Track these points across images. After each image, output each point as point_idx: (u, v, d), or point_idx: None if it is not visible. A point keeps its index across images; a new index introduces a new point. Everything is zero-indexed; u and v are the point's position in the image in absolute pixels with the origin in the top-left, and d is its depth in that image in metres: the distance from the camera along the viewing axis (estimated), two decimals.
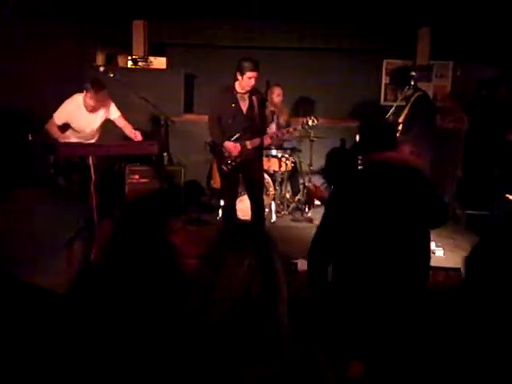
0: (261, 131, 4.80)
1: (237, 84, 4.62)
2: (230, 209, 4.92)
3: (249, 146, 4.65)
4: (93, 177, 4.58)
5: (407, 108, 4.81)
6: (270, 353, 1.21)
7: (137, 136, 4.93)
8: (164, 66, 6.47)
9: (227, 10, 6.38)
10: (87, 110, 4.83)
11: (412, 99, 4.81)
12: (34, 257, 1.25)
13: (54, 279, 1.27)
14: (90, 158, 4.58)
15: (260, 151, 4.93)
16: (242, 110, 4.66)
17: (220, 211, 5.74)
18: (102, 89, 4.72)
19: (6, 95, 5.11)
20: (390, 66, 6.71)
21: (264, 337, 1.22)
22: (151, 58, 6.42)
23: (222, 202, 5.75)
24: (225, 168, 4.72)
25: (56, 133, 4.83)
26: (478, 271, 1.32)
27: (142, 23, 6.42)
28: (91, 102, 4.74)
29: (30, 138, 5.02)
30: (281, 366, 1.21)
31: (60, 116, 4.83)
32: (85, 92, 4.73)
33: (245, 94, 4.65)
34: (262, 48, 6.39)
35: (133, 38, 6.44)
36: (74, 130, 4.94)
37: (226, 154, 4.68)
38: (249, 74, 4.48)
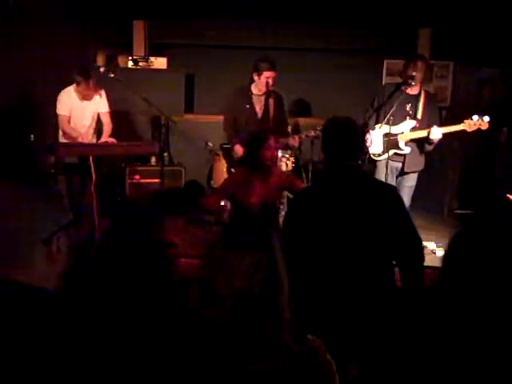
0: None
1: (253, 85, 4.48)
2: None
3: None
4: (93, 177, 4.59)
5: (422, 103, 4.54)
6: (271, 347, 1.22)
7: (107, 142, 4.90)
8: (164, 66, 6.47)
9: (228, 10, 6.39)
10: (79, 99, 4.87)
11: (423, 94, 4.58)
12: (10, 254, 1.21)
13: (36, 277, 1.24)
14: (90, 158, 4.59)
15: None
16: (256, 113, 4.49)
17: None
18: (89, 78, 4.75)
19: (6, 95, 5.12)
20: (391, 66, 6.71)
21: (265, 331, 1.22)
22: (152, 58, 6.41)
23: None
24: (233, 170, 4.56)
25: (72, 130, 4.88)
26: (456, 264, 1.33)
27: (142, 23, 6.42)
28: (84, 92, 4.80)
29: (32, 138, 5.03)
30: (282, 361, 1.21)
31: (63, 107, 4.86)
32: (75, 85, 4.78)
33: (261, 95, 4.48)
34: (261, 48, 6.38)
35: (133, 38, 6.45)
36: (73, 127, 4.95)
37: (235, 157, 4.51)
38: (266, 73, 4.34)
